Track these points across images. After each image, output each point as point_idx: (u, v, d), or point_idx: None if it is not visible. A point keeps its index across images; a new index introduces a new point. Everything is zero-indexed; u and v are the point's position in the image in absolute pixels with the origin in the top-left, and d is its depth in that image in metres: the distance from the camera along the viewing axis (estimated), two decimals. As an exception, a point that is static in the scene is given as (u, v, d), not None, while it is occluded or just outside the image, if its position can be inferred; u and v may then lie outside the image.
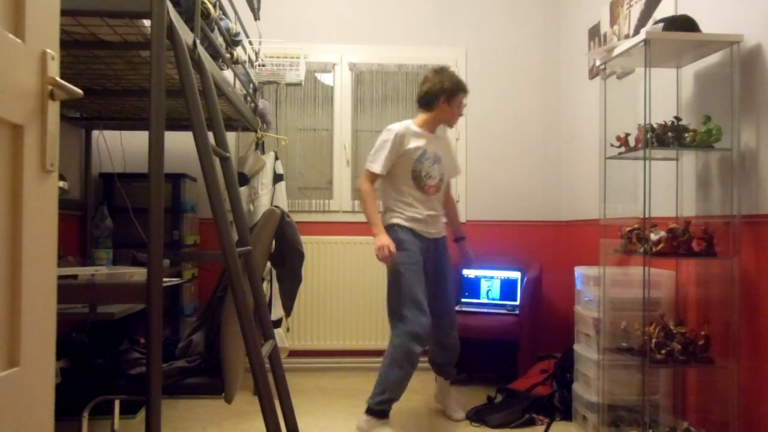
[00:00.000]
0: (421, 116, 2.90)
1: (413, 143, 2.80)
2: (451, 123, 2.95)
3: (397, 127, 2.81)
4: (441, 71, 2.88)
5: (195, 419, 2.90)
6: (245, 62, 2.94)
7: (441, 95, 2.84)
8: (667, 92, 2.62)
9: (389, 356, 2.66)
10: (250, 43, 3.24)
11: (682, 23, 2.27)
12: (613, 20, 3.29)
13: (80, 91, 0.98)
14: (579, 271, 2.90)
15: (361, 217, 3.92)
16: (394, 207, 2.82)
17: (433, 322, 2.81)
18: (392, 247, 2.66)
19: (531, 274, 3.47)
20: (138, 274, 2.20)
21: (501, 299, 3.69)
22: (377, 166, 2.76)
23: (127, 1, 1.52)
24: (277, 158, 3.46)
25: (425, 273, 2.81)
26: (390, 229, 2.77)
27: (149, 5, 1.48)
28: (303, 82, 3.52)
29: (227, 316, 1.83)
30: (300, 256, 2.16)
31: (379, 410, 2.64)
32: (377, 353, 3.91)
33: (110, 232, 3.20)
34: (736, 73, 2.23)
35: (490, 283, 3.73)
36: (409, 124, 2.85)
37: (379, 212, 2.77)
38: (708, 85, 2.42)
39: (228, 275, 1.69)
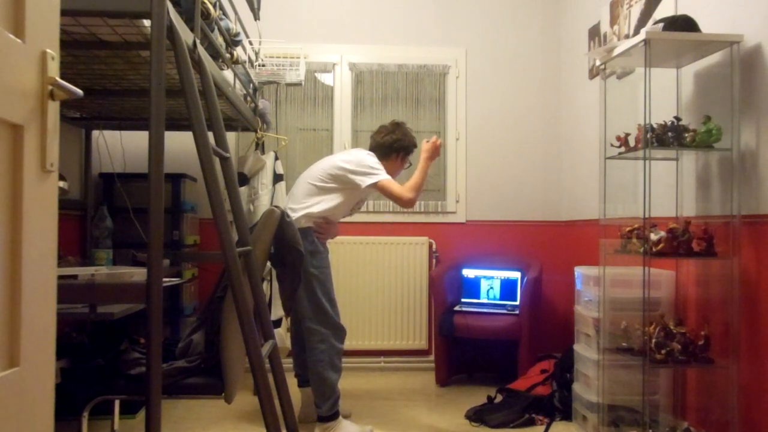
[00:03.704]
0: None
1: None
2: (392, 174, 2.93)
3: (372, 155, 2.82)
4: (400, 126, 2.92)
5: (195, 419, 2.90)
6: (245, 62, 2.94)
7: (401, 151, 2.90)
8: (667, 92, 2.62)
9: (325, 360, 2.64)
10: (250, 43, 3.24)
11: (682, 23, 2.27)
12: (613, 20, 3.29)
13: (80, 91, 0.98)
14: (579, 271, 2.90)
15: (360, 217, 3.89)
16: (321, 214, 2.72)
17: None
18: (435, 138, 2.79)
19: (531, 274, 3.47)
20: (138, 274, 2.19)
21: (501, 299, 3.69)
22: (384, 174, 2.71)
23: (127, 1, 1.52)
24: (277, 158, 3.46)
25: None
26: (310, 231, 2.69)
27: (149, 5, 1.48)
28: (303, 82, 3.51)
29: (227, 316, 1.83)
30: (300, 256, 2.16)
31: (332, 414, 2.66)
32: (377, 353, 3.91)
33: (110, 232, 3.20)
34: (736, 73, 2.23)
35: (490, 283, 3.73)
36: None
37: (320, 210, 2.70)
38: (708, 85, 2.42)
39: (228, 275, 1.69)
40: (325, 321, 2.67)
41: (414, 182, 2.70)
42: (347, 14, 4.06)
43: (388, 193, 2.69)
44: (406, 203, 2.68)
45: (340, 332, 2.72)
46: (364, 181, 2.69)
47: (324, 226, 2.75)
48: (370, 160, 2.76)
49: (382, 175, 2.70)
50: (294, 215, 2.68)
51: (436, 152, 2.83)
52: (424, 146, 2.82)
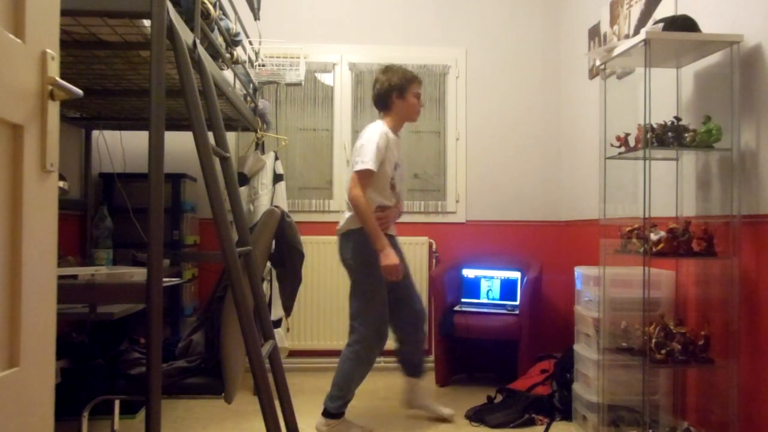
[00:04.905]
0: (386, 120, 2.81)
1: (393, 149, 2.75)
2: (412, 117, 2.85)
3: (381, 127, 2.73)
4: (387, 69, 2.82)
5: (195, 419, 2.90)
6: (245, 62, 2.94)
7: (392, 93, 2.78)
8: (667, 92, 2.62)
9: (354, 360, 2.66)
10: (250, 43, 3.24)
11: (682, 23, 2.27)
12: (613, 20, 3.29)
13: (80, 91, 0.98)
14: (579, 271, 2.90)
15: (361, 217, 3.90)
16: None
17: (405, 318, 2.83)
18: (400, 267, 2.64)
19: (531, 274, 3.47)
20: (138, 274, 2.20)
21: (501, 299, 3.69)
22: (372, 164, 2.61)
23: (127, 1, 1.52)
24: (277, 158, 3.46)
25: None
26: (360, 231, 2.66)
27: (149, 5, 1.48)
28: (303, 82, 3.51)
29: (227, 316, 1.83)
30: (300, 256, 2.16)
31: (338, 413, 2.68)
32: (377, 353, 3.91)
33: (110, 232, 3.20)
34: (736, 73, 2.23)
35: (490, 283, 3.73)
36: (387, 129, 2.75)
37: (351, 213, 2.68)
38: (708, 85, 2.42)
39: (228, 275, 1.69)
40: (366, 323, 2.67)
41: (366, 209, 2.60)
42: (347, 14, 4.06)
43: (351, 181, 2.64)
44: (350, 195, 2.62)
45: (378, 338, 2.68)
46: (354, 166, 2.67)
47: (380, 216, 2.69)
48: (369, 146, 2.65)
49: (360, 166, 2.62)
50: (346, 215, 2.72)
51: (395, 275, 2.65)
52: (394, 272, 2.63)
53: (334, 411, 2.67)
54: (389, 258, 2.60)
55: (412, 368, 2.91)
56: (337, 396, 2.67)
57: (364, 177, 2.63)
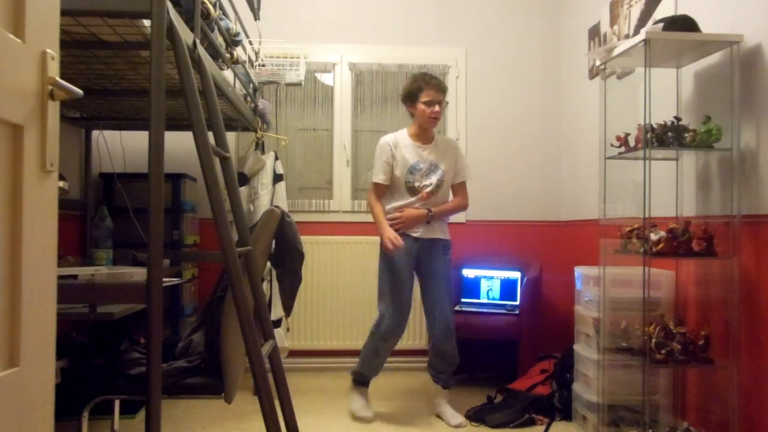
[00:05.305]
0: (411, 126, 3.04)
1: (403, 154, 2.94)
2: (424, 123, 2.94)
3: (387, 138, 3.00)
4: (408, 77, 3.06)
5: (195, 419, 2.90)
6: (245, 62, 2.94)
7: (405, 102, 2.99)
8: (667, 92, 2.62)
9: (370, 336, 2.98)
10: (250, 43, 3.24)
11: (682, 23, 2.27)
12: (613, 20, 3.29)
13: (80, 91, 0.98)
14: (579, 271, 2.90)
15: (360, 217, 3.93)
16: (387, 210, 3.00)
17: (430, 329, 3.02)
18: (396, 240, 2.83)
19: (531, 274, 3.47)
20: (138, 274, 2.20)
21: (501, 299, 3.69)
22: (375, 176, 2.96)
23: (127, 1, 1.52)
24: (277, 158, 3.46)
25: (417, 274, 3.01)
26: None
27: (149, 5, 1.48)
28: (303, 82, 3.51)
29: (227, 316, 1.83)
30: (300, 256, 2.16)
31: (356, 379, 3.02)
32: (377, 353, 3.91)
33: (110, 232, 3.20)
34: (736, 73, 2.23)
35: (490, 283, 3.73)
36: (400, 136, 3.00)
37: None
38: (708, 85, 2.42)
39: (228, 275, 1.69)
40: (378, 313, 2.95)
41: (372, 207, 2.98)
42: (347, 14, 4.06)
43: (368, 191, 3.07)
44: (367, 200, 3.08)
45: (378, 333, 2.94)
46: None
47: (393, 216, 2.93)
48: (375, 160, 3.00)
49: (372, 178, 3.01)
50: None
51: (385, 247, 2.89)
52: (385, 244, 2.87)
53: (353, 375, 3.02)
54: (383, 234, 2.88)
55: (432, 374, 3.05)
56: (358, 363, 3.00)
57: (373, 187, 3.00)
